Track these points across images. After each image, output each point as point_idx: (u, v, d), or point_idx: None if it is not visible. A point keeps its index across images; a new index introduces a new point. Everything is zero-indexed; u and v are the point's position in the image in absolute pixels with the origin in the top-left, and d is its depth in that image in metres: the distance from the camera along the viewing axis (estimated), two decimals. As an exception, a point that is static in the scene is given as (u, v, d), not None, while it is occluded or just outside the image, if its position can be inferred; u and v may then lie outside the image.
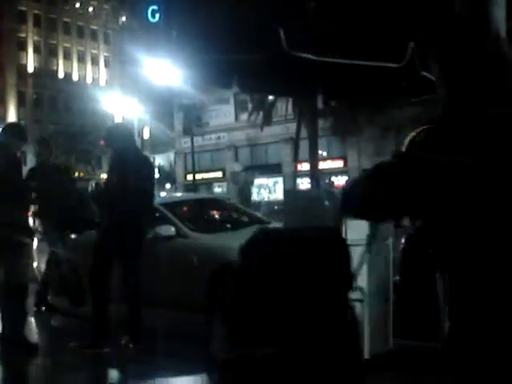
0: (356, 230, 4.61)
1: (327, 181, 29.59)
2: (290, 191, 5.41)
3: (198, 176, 33.92)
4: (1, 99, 60.92)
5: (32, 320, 6.62)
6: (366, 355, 4.70)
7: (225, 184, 37.38)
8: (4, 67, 61.48)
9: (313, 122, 18.60)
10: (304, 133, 22.59)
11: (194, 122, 33.37)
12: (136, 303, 5.52)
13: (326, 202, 4.64)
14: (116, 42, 61.67)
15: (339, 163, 33.85)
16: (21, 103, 62.01)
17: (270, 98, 27.18)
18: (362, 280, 4.67)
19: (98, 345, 5.39)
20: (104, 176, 37.01)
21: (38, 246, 8.18)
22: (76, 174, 44.44)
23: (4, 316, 5.43)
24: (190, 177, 35.31)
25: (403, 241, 6.75)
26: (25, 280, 5.57)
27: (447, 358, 1.57)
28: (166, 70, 24.26)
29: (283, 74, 4.99)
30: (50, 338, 6.40)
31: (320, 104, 20.31)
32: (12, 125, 6.53)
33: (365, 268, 4.72)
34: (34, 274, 6.84)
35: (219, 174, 38.22)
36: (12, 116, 58.36)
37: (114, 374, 5.24)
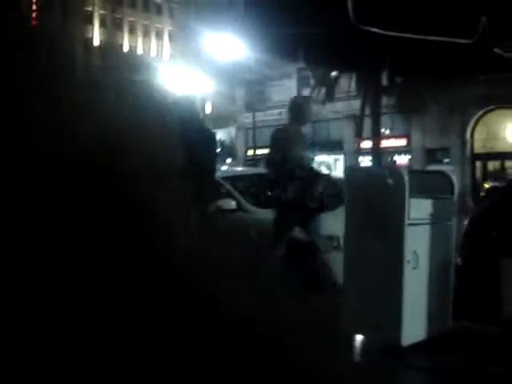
0: (418, 209, 4.55)
1: (389, 159, 29.16)
2: (352, 168, 5.37)
3: (259, 151, 33.98)
4: (68, 72, 62.29)
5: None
6: (424, 336, 4.66)
7: (285, 160, 37.26)
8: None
9: (376, 99, 18.25)
10: (367, 110, 22.26)
11: (256, 96, 33.39)
12: None
13: (389, 180, 4.58)
14: (180, 16, 62.02)
15: (402, 141, 33.26)
16: (87, 76, 63.22)
17: (333, 73, 26.89)
18: (424, 260, 4.62)
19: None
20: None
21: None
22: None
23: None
24: (250, 152, 35.40)
25: (466, 223, 6.63)
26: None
27: (509, 342, 1.53)
28: (229, 44, 24.40)
29: (349, 49, 4.92)
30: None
31: (384, 80, 19.95)
32: None
33: (427, 248, 4.66)
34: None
35: (280, 150, 38.18)
36: (78, 88, 59.60)
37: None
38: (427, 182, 4.91)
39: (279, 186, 5.90)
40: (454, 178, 5.08)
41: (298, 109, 6.03)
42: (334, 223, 6.01)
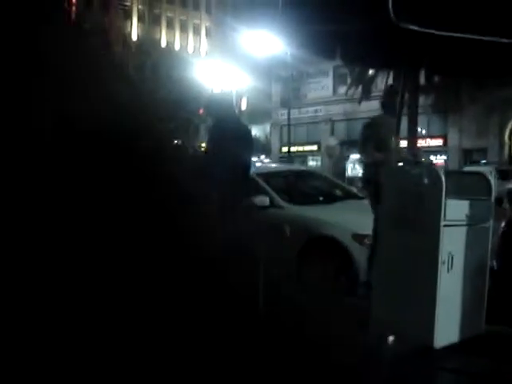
0: (455, 210, 4.49)
1: (423, 159, 28.82)
2: (389, 167, 5.32)
3: (293, 148, 33.93)
4: (106, 66, 62.92)
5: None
6: (457, 338, 4.60)
7: (319, 158, 37.20)
8: (110, 35, 63.37)
9: (414, 98, 18.08)
10: (404, 109, 21.98)
11: (291, 93, 33.33)
12: None
13: (425, 180, 4.53)
14: (218, 12, 62.16)
15: (439, 141, 32.90)
16: (124, 71, 63.75)
17: (370, 71, 26.71)
18: (459, 262, 4.56)
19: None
20: (201, 144, 37.58)
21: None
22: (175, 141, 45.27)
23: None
24: (285, 149, 35.35)
25: (503, 224, 6.52)
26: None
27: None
28: (266, 40, 24.37)
29: (388, 47, 4.87)
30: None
31: (422, 80, 19.74)
32: None
33: (462, 250, 4.60)
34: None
35: (314, 148, 38.05)
36: (116, 83, 60.20)
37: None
38: (464, 183, 4.84)
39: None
40: (492, 180, 5.01)
41: (393, 99, 5.83)
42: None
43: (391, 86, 6.44)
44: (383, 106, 6.02)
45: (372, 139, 5.70)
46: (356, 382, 3.65)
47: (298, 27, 4.35)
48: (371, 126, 5.98)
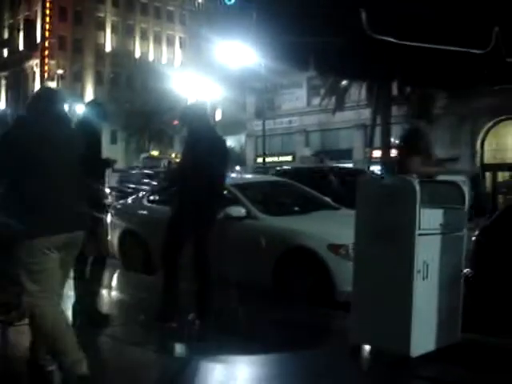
0: (429, 219, 4.52)
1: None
2: (363, 178, 5.31)
3: (268, 159, 33.97)
4: (79, 78, 62.48)
5: (105, 292, 6.80)
6: (433, 347, 4.62)
7: (294, 168, 37.21)
8: (83, 46, 62.96)
9: (387, 109, 18.21)
10: (378, 119, 22.07)
11: (266, 104, 33.43)
12: (205, 281, 5.57)
13: (400, 190, 4.55)
14: (192, 24, 62.19)
15: (412, 151, 33.07)
16: (98, 82, 63.39)
17: (344, 82, 26.86)
18: (434, 270, 4.59)
19: (165, 319, 5.50)
20: (175, 155, 37.45)
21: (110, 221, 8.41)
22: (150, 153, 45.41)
23: (78, 287, 5.57)
24: (260, 160, 35.37)
25: (477, 233, 6.58)
26: (103, 252, 5.72)
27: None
28: (240, 52, 24.42)
29: (361, 58, 4.91)
30: (121, 311, 6.54)
31: (395, 90, 19.91)
32: (94, 103, 6.67)
33: (437, 259, 4.62)
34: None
35: (289, 158, 38.11)
36: (89, 94, 59.79)
37: (177, 348, 5.30)
38: (438, 192, 4.87)
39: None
40: (465, 189, 5.05)
41: (427, 104, 5.39)
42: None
43: (424, 93, 5.83)
44: (419, 114, 5.40)
45: (417, 149, 5.00)
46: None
47: (272, 38, 4.36)
48: (416, 133, 5.18)
